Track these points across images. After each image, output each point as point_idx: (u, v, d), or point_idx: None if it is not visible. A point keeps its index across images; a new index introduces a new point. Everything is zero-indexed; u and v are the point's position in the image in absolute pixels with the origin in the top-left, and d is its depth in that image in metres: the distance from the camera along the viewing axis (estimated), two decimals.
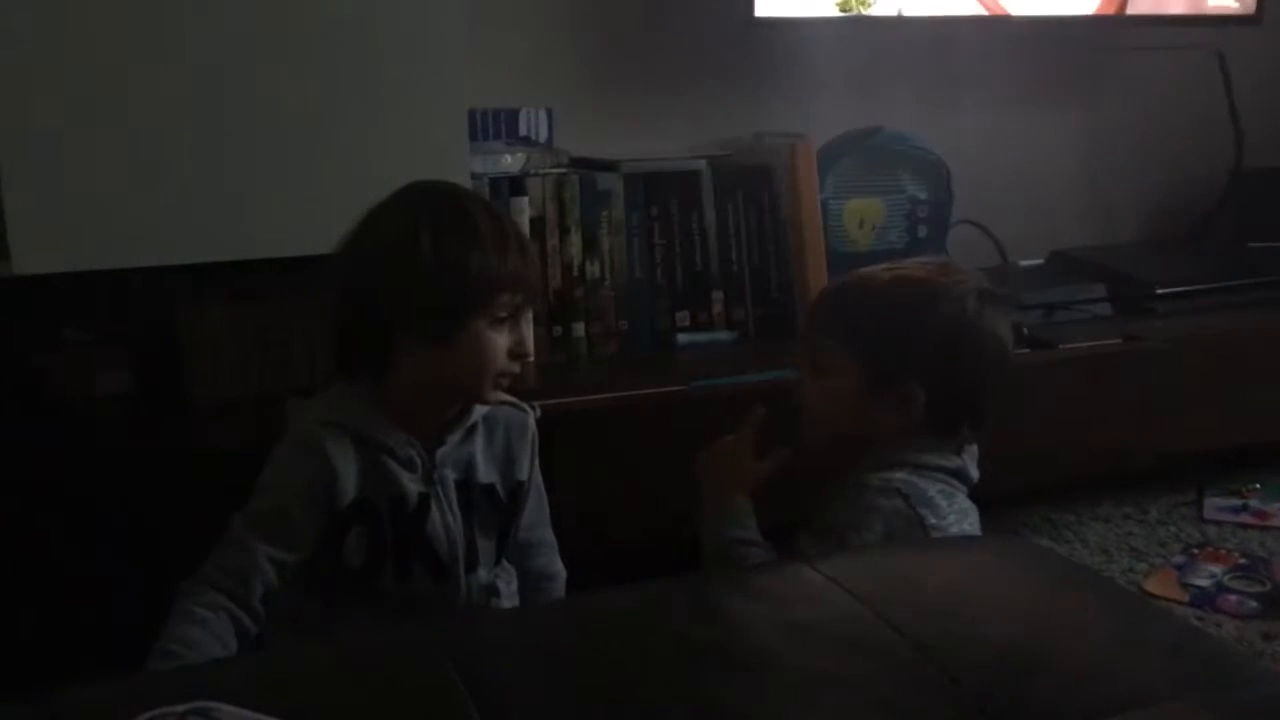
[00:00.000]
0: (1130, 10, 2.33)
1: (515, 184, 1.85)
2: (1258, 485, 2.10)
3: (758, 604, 0.92)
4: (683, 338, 1.97)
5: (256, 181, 1.55)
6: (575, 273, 1.90)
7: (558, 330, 1.89)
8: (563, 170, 1.93)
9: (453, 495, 1.26)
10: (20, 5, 1.42)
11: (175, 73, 1.50)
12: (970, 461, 1.31)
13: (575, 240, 1.89)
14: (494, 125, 2.01)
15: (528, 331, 1.28)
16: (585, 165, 1.97)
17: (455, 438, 1.26)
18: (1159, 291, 2.17)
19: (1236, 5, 2.39)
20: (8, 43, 1.42)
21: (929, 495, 1.25)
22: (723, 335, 1.99)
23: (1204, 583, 1.76)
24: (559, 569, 1.40)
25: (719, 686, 0.80)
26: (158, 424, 1.61)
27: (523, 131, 2.04)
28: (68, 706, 0.78)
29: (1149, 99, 2.53)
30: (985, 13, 2.22)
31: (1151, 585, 1.76)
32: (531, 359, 1.26)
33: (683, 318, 1.98)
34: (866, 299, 1.31)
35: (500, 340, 1.20)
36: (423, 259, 1.16)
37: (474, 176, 1.75)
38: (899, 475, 1.26)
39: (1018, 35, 2.35)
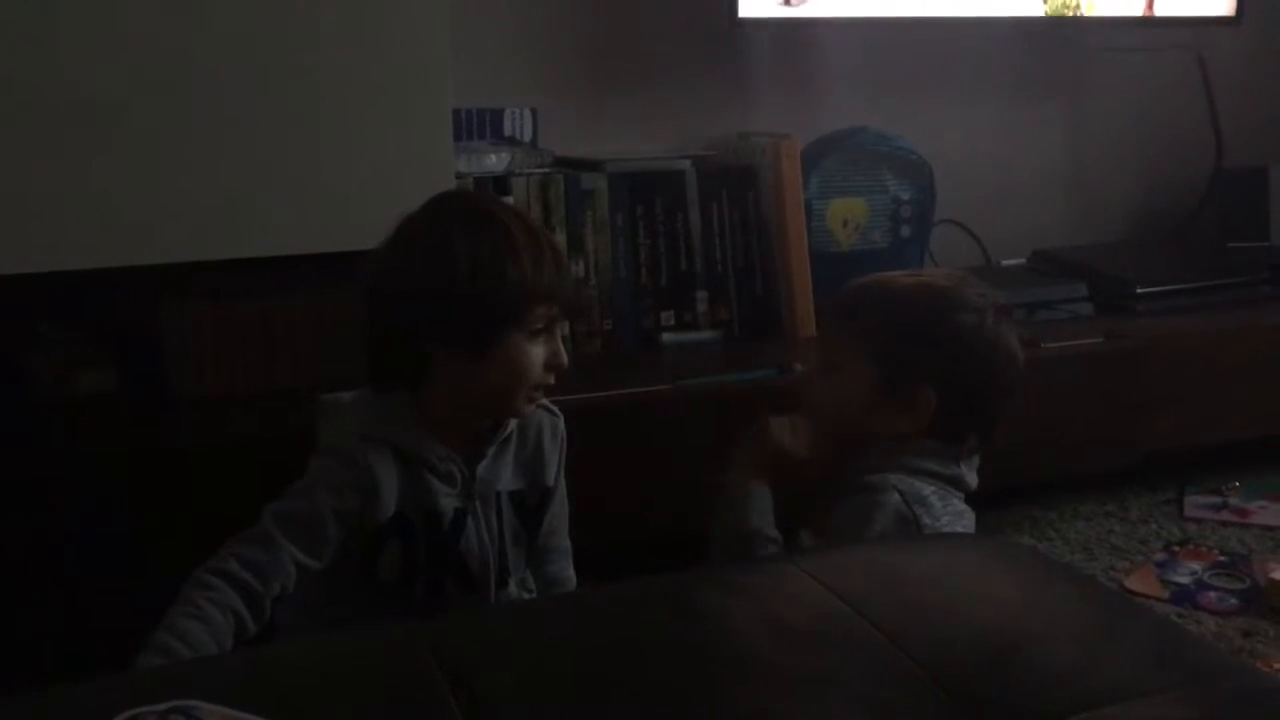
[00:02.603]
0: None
1: (500, 183, 1.85)
2: (1237, 483, 2.11)
3: (742, 602, 0.92)
4: (667, 337, 1.97)
5: (241, 181, 1.55)
6: None
7: None
8: (547, 170, 1.93)
9: (491, 511, 1.26)
10: (8, 2, 1.42)
11: (160, 72, 1.49)
12: (968, 470, 1.31)
13: (560, 240, 1.89)
14: (478, 124, 2.01)
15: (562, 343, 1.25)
16: (570, 165, 1.97)
17: (492, 450, 1.25)
18: (1140, 291, 2.18)
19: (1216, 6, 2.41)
20: None
21: (924, 494, 1.26)
22: (707, 335, 2.00)
23: (1184, 580, 1.77)
24: (570, 575, 1.39)
25: (704, 684, 0.80)
26: (141, 422, 1.60)
27: (507, 131, 2.04)
28: (50, 704, 0.78)
29: (1130, 100, 2.55)
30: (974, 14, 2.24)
31: (1132, 583, 1.77)
32: (566, 368, 1.24)
33: (667, 317, 1.99)
34: (888, 301, 1.32)
35: (536, 352, 1.19)
36: (460, 271, 1.15)
37: (458, 176, 1.75)
38: (894, 476, 1.27)
39: (1000, 36, 2.36)
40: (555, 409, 1.32)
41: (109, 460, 1.48)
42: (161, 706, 0.71)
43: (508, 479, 1.28)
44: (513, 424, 1.27)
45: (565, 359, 1.22)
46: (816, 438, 1.32)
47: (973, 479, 1.32)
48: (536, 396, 1.23)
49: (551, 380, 1.22)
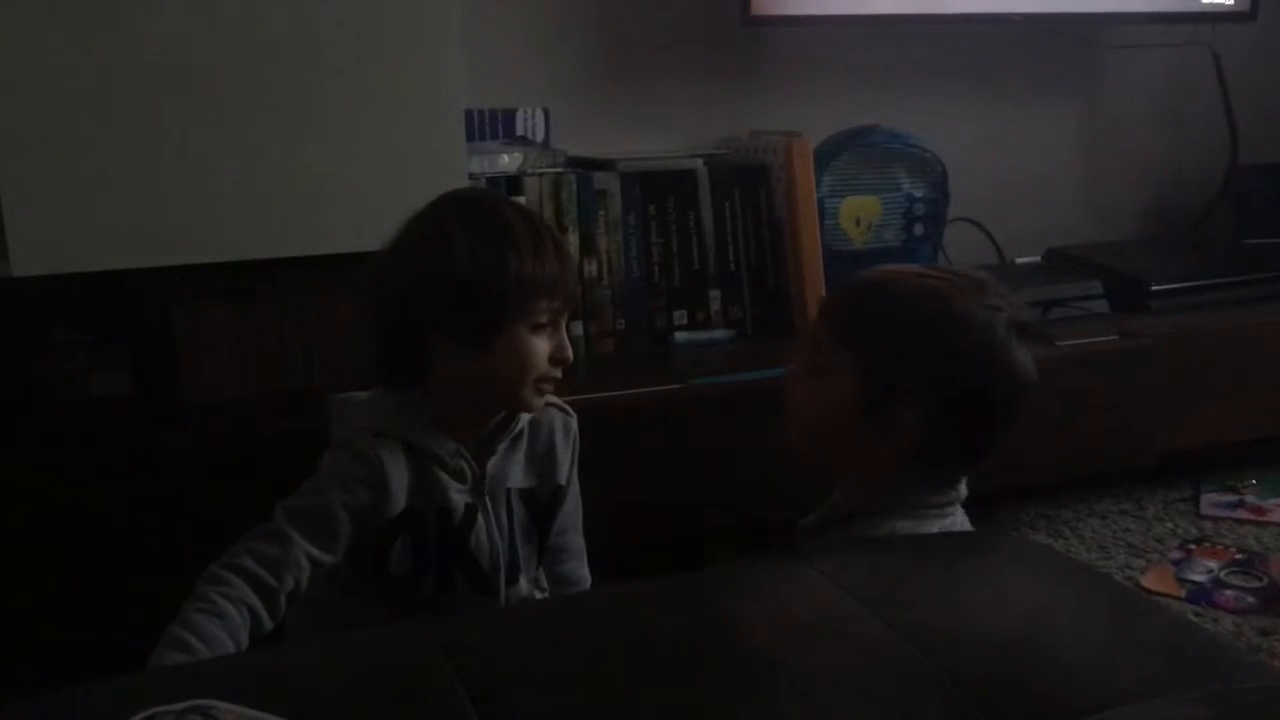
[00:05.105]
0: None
1: (512, 183, 1.85)
2: (1254, 481, 2.10)
3: (756, 602, 0.92)
4: (680, 336, 1.97)
5: (254, 182, 1.55)
6: None
7: None
8: (559, 170, 1.93)
9: (501, 507, 1.26)
10: (19, 5, 1.42)
11: (173, 74, 1.50)
12: (962, 484, 1.23)
13: (572, 240, 1.89)
14: (491, 125, 2.02)
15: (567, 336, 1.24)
16: (582, 164, 1.97)
17: (503, 446, 1.25)
18: (1155, 288, 2.17)
19: (1230, 1, 2.40)
20: (6, 43, 1.42)
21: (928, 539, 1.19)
22: (720, 334, 2.00)
23: (1201, 578, 1.76)
24: (584, 575, 1.39)
25: (717, 684, 0.80)
26: (154, 424, 1.61)
27: (519, 131, 2.05)
28: (67, 703, 0.78)
29: (1144, 96, 2.54)
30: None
31: (1148, 581, 1.77)
32: (571, 362, 1.24)
33: (680, 316, 1.99)
34: (885, 308, 1.18)
35: (541, 345, 1.19)
36: (459, 265, 1.15)
37: (471, 176, 1.75)
38: (901, 525, 1.16)
39: (1013, 32, 2.36)
40: (568, 408, 1.32)
41: (123, 462, 1.48)
42: (179, 706, 0.71)
43: (519, 476, 1.28)
44: (524, 421, 1.27)
45: (570, 353, 1.22)
46: (796, 443, 1.22)
47: (964, 488, 1.23)
48: (544, 389, 1.23)
49: (558, 374, 1.22)
